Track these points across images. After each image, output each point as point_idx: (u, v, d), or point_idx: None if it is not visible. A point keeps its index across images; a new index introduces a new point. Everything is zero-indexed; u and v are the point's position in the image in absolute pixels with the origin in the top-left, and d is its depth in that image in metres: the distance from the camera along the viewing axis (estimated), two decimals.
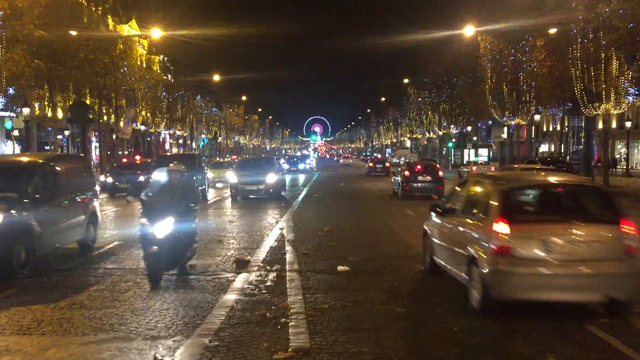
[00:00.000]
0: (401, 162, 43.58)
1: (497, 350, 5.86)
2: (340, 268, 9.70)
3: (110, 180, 26.51)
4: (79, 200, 11.42)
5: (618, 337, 6.22)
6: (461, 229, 7.98)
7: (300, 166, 57.72)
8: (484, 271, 6.90)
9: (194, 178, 21.24)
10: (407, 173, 24.26)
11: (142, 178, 22.07)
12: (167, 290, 8.39)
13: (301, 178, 42.78)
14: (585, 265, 6.82)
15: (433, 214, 9.42)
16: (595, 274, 6.81)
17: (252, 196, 23.10)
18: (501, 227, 6.86)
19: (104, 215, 16.03)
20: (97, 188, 12.40)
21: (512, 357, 5.71)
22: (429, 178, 24.11)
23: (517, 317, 6.94)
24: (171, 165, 9.36)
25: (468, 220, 7.85)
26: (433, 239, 9.09)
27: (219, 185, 31.00)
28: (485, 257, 6.95)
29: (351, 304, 7.54)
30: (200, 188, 22.08)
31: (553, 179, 8.83)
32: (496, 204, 7.21)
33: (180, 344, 6.10)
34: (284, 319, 6.88)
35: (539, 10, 38.43)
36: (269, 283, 8.80)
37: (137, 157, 34.79)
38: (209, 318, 6.96)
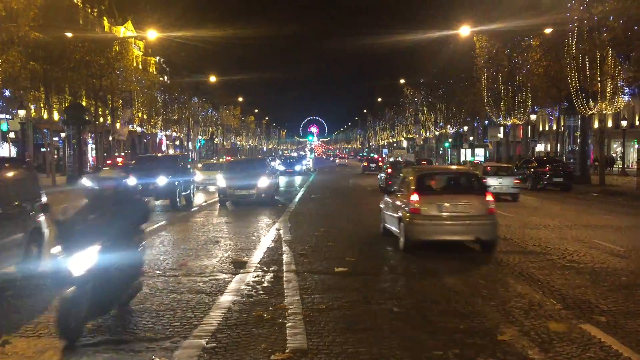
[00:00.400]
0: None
1: (495, 350, 5.87)
2: (337, 269, 9.70)
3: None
4: (17, 213, 9.14)
5: (615, 336, 6.23)
6: (397, 202, 12.11)
7: (297, 167, 54.63)
8: (405, 224, 11.10)
9: (175, 183, 20.23)
10: (389, 170, 28.01)
11: (132, 180, 21.68)
12: (163, 291, 8.37)
13: (297, 180, 41.43)
14: (464, 219, 11.08)
15: (384, 194, 14.01)
16: (469, 224, 11.01)
17: (242, 202, 21.24)
18: (414, 197, 11.09)
19: None
20: (44, 199, 10.20)
21: (509, 357, 5.71)
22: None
23: (506, 317, 6.96)
24: (104, 170, 7.93)
25: (399, 196, 12.19)
26: (383, 211, 13.41)
27: (212, 188, 27.63)
28: (406, 216, 11.09)
29: (348, 305, 7.54)
30: (183, 194, 21.17)
31: (447, 169, 16.17)
32: (414, 182, 11.53)
33: (177, 345, 6.09)
34: (281, 320, 6.87)
35: (534, 10, 38.49)
36: (266, 284, 8.79)
37: (119, 160, 33.83)
38: (206, 319, 6.95)
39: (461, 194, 11.67)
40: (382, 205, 13.67)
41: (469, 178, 12.59)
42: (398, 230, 11.64)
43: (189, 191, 22.25)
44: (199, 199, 24.89)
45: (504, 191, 23.07)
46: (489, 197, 11.38)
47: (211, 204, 22.66)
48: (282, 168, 50.44)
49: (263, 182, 21.33)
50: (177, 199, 20.27)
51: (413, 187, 11.40)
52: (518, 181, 23.99)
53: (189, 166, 24.98)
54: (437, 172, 14.47)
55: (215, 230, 15.02)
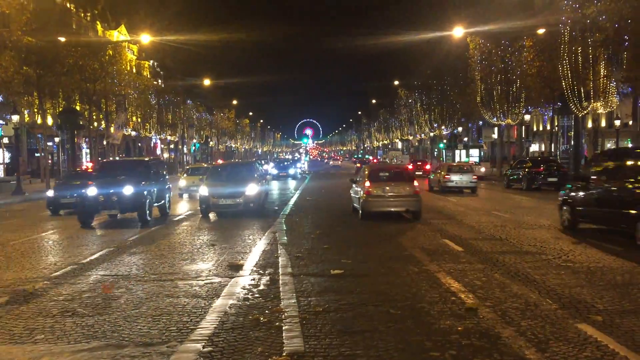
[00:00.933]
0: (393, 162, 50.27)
1: (491, 351, 5.87)
2: (333, 271, 9.70)
3: (51, 193, 21.60)
4: None
5: (611, 335, 6.25)
6: (357, 188, 18.08)
7: (291, 171, 51.60)
8: (362, 201, 17.05)
9: (145, 192, 17.33)
10: (358, 165, 36.22)
11: (92, 190, 17.07)
12: (160, 295, 8.35)
13: (292, 184, 40.47)
14: (398, 198, 16.96)
15: (352, 183, 19.58)
16: (402, 200, 16.90)
17: (227, 212, 18.83)
18: (367, 184, 16.99)
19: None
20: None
21: (506, 357, 5.71)
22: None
23: (503, 317, 6.97)
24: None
25: (359, 184, 17.89)
26: (351, 195, 19.28)
27: (198, 195, 21.95)
28: (362, 196, 17.05)
29: (345, 307, 7.53)
30: (157, 204, 18.58)
31: (389, 166, 25.35)
32: (367, 175, 17.53)
33: (174, 350, 6.06)
34: (277, 323, 6.86)
35: (527, 12, 38.68)
36: (262, 287, 8.78)
37: (90, 165, 32.00)
38: (203, 323, 6.93)
39: (397, 182, 17.49)
40: (351, 192, 19.59)
41: (402, 172, 19.01)
42: (358, 206, 17.65)
43: (163, 201, 19.45)
44: (182, 207, 23.33)
45: (465, 185, 28.40)
46: (415, 183, 17.54)
47: (192, 215, 20.12)
48: (275, 172, 49.01)
49: (251, 189, 18.80)
50: (147, 212, 17.27)
51: (366, 177, 17.47)
52: (476, 177, 29.63)
53: (164, 172, 21.93)
54: (382, 168, 21.75)
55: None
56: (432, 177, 31.89)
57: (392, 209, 17.15)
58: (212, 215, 18.93)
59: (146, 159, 23.03)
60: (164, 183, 20.39)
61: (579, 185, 14.32)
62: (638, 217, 11.36)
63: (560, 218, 14.93)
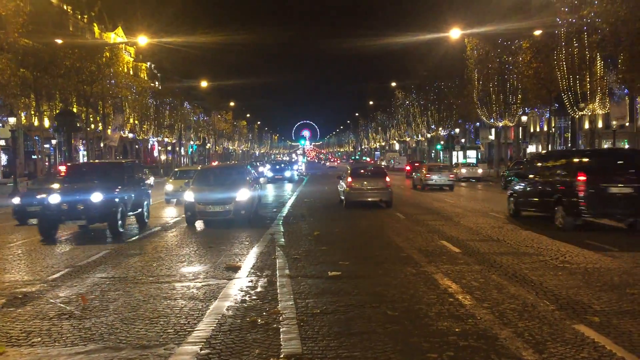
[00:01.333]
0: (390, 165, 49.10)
1: (489, 352, 5.87)
2: (330, 273, 9.70)
3: (17, 201, 19.12)
4: None
5: (608, 336, 6.25)
6: (342, 182, 22.92)
7: (287, 173, 48.70)
8: (345, 193, 21.74)
9: (116, 200, 15.28)
10: (337, 163, 43.93)
11: (54, 198, 14.93)
12: (157, 298, 8.34)
13: (288, 187, 38.22)
14: (374, 190, 21.40)
15: (339, 179, 24.08)
16: (377, 192, 21.34)
17: (215, 220, 16.94)
18: (350, 179, 21.61)
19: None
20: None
21: (503, 359, 5.71)
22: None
23: (500, 318, 6.97)
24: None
25: (344, 179, 22.65)
26: (338, 188, 23.90)
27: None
28: (346, 189, 21.65)
29: (342, 308, 7.53)
30: (132, 213, 16.73)
31: (367, 165, 32.39)
32: (349, 173, 22.16)
33: (171, 352, 6.05)
34: (275, 325, 6.85)
35: (524, 13, 38.75)
36: (259, 289, 8.77)
37: (62, 168, 28.25)
38: (200, 325, 6.92)
39: (373, 178, 21.96)
40: (338, 186, 24.50)
41: (378, 170, 23.75)
42: (343, 197, 22.34)
43: (141, 209, 17.31)
44: (167, 214, 21.16)
45: (443, 183, 32.14)
46: (387, 179, 21.87)
47: (175, 224, 17.93)
48: (270, 174, 47.35)
49: (242, 194, 16.74)
50: (119, 223, 15.25)
51: (349, 173, 22.13)
52: (453, 176, 33.98)
53: (142, 175, 20.01)
54: (361, 167, 25.52)
55: (209, 236, 14.77)
56: (414, 176, 35.27)
57: (369, 199, 21.51)
58: (199, 224, 17.12)
59: (123, 161, 21.03)
60: (142, 188, 18.14)
61: (520, 181, 17.76)
62: (555, 204, 14.79)
63: (507, 207, 18.32)
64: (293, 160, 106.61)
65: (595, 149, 30.40)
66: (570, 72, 31.11)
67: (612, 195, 13.94)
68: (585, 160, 15.13)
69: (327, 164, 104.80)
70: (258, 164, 64.71)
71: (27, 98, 38.55)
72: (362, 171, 22.62)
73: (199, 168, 26.50)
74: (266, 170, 49.81)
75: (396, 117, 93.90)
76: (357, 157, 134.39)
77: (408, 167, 49.47)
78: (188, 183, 19.63)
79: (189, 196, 16.89)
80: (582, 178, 13.98)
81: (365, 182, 21.55)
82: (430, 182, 31.77)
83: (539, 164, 17.51)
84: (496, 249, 11.98)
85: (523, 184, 17.40)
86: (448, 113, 62.52)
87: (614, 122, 41.10)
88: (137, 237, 15.29)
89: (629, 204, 13.92)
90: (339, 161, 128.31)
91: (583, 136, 45.01)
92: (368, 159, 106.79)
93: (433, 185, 31.79)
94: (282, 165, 54.60)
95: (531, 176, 17.15)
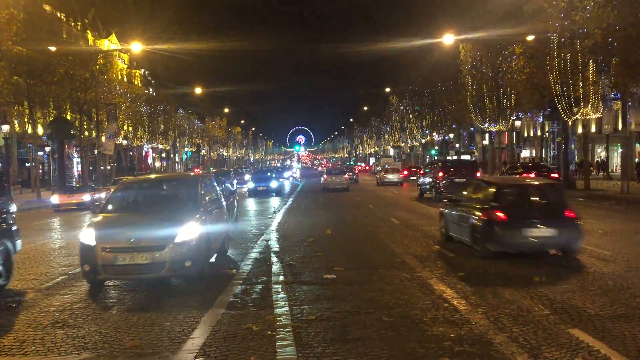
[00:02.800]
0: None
1: (484, 358, 5.88)
2: (326, 276, 9.69)
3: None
4: None
5: (602, 340, 6.27)
6: (321, 178, 43.38)
7: (273, 184, 36.37)
8: (323, 183, 40.86)
9: None
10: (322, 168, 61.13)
11: None
12: (151, 307, 8.30)
13: (274, 203, 29.17)
14: (340, 183, 39.49)
15: (320, 176, 47.63)
16: (341, 183, 39.69)
17: (133, 279, 9.66)
18: (325, 176, 41.90)
19: None
20: None
21: None
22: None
23: (495, 323, 6.98)
24: None
25: (323, 176, 42.87)
26: (320, 180, 43.44)
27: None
28: (322, 182, 41.20)
29: (338, 315, 7.52)
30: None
31: (337, 167, 65.73)
32: (325, 172, 45.47)
33: None
34: (270, 332, 6.83)
35: (516, 19, 38.97)
36: (254, 295, 8.75)
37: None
38: (195, 333, 6.90)
39: (340, 175, 41.09)
40: (321, 179, 41.42)
41: (342, 169, 46.19)
42: (322, 185, 39.91)
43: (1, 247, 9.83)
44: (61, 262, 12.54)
45: (395, 181, 45.43)
46: (346, 176, 41.37)
47: (64, 287, 9.90)
48: (251, 185, 36.59)
49: (187, 233, 9.39)
50: None
51: (325, 172, 42.46)
52: (403, 175, 48.09)
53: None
54: (333, 168, 51.27)
55: None
56: (378, 176, 48.56)
57: (337, 187, 38.20)
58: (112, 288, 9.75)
59: None
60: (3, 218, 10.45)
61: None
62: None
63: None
64: (286, 165, 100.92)
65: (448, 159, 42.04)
66: (563, 77, 31.27)
67: None
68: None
69: (319, 168, 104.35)
70: (244, 170, 61.53)
71: (21, 105, 38.43)
72: (333, 171, 43.46)
73: (124, 180, 15.89)
74: (247, 180, 41.34)
75: (390, 122, 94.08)
76: (351, 162, 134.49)
77: (406, 172, 55.65)
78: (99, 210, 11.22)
79: (87, 235, 9.33)
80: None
81: (334, 178, 40.01)
82: (386, 180, 45.20)
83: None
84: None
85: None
86: (442, 118, 62.71)
87: (606, 126, 41.36)
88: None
89: None
90: (331, 166, 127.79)
91: (576, 140, 45.22)
92: (363, 165, 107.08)
93: (387, 183, 45.17)
94: (268, 173, 40.92)
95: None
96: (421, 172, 34.55)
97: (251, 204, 29.36)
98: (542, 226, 10.81)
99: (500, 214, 10.95)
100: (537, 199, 11.84)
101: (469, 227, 11.86)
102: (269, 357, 6.03)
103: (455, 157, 50.82)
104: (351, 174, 50.37)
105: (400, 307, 7.86)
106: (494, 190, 11.76)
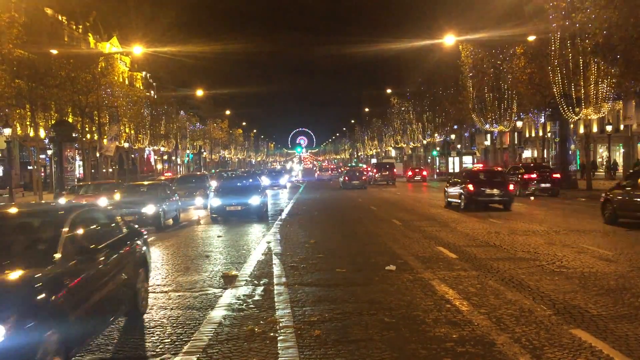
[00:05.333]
0: None
1: (486, 358, 5.87)
2: (337, 270, 9.71)
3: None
4: None
5: (605, 341, 6.26)
6: (317, 172, 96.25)
7: (254, 200, 21.37)
8: (316, 175, 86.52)
9: None
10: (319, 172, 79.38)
11: None
12: (153, 307, 8.30)
13: (252, 236, 16.81)
14: (326, 174, 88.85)
15: (317, 170, 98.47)
16: (330, 175, 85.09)
17: None
18: (318, 171, 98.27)
19: None
20: None
21: None
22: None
23: (497, 324, 6.97)
24: None
25: (317, 171, 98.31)
26: (318, 173, 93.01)
27: None
28: (316, 174, 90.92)
29: (340, 316, 7.51)
30: None
31: (324, 166, 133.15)
32: (318, 168, 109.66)
33: None
34: (272, 334, 6.83)
35: (517, 19, 38.96)
36: (256, 297, 8.75)
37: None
38: (197, 335, 6.90)
39: (359, 176, 45.47)
40: (340, 179, 47.33)
41: (360, 171, 48.51)
42: (340, 184, 46.96)
43: None
44: None
45: (357, 185, 43.93)
46: (329, 172, 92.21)
47: None
48: (217, 203, 21.16)
49: None
50: None
51: (344, 175, 45.95)
52: (364, 179, 46.90)
53: None
54: (321, 167, 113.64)
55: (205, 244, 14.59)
56: (340, 179, 47.22)
57: (356, 186, 42.63)
58: None
59: None
60: None
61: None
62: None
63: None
64: (283, 169, 78.82)
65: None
66: (564, 78, 31.24)
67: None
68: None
69: (317, 173, 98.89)
70: (212, 173, 47.81)
71: (23, 109, 38.47)
72: (350, 172, 46.50)
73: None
74: (211, 194, 24.99)
75: (392, 123, 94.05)
76: (353, 164, 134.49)
77: (410, 173, 59.12)
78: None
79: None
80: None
81: (353, 181, 43.90)
82: (349, 184, 44.01)
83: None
84: (493, 254, 11.99)
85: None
86: (443, 119, 62.67)
87: (608, 127, 41.25)
88: None
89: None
90: (333, 168, 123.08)
91: (578, 141, 45.15)
92: (364, 166, 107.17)
93: (349, 186, 43.56)
94: (245, 182, 27.20)
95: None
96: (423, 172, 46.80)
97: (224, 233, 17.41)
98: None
99: (470, 186, 22.30)
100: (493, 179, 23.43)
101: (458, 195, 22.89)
102: (270, 358, 6.03)
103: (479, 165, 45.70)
104: (365, 175, 50.73)
105: (402, 308, 7.86)
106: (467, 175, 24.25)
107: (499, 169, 29.51)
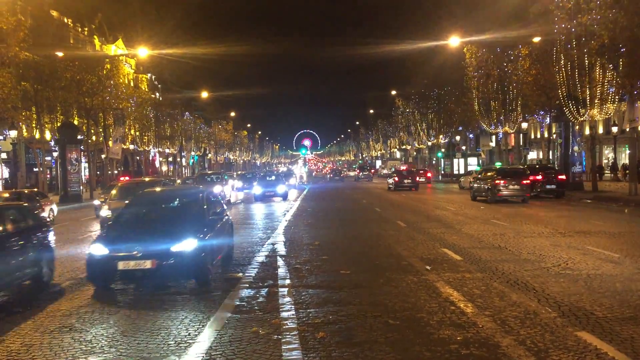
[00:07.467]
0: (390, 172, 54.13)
1: None
2: (342, 271, 9.70)
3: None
4: None
5: (610, 343, 6.23)
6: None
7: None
8: (313, 174, 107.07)
9: None
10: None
11: None
12: (158, 310, 8.31)
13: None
14: (321, 173, 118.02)
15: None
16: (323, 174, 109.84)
17: None
18: (358, 170, 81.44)
19: None
20: None
21: None
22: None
23: (502, 326, 6.95)
24: None
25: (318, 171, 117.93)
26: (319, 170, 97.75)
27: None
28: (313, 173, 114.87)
29: (344, 318, 7.50)
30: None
31: (318, 168, 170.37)
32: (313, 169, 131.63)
33: None
34: (276, 336, 6.83)
35: (522, 21, 38.84)
36: (260, 299, 8.75)
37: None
38: (201, 337, 6.90)
39: (367, 173, 73.67)
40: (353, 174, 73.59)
41: (369, 168, 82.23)
42: (353, 178, 74.07)
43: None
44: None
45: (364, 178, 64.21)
46: (371, 172, 79.76)
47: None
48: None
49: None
50: None
51: (357, 168, 79.76)
52: (344, 175, 78.43)
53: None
54: (362, 167, 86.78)
55: None
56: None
57: (365, 180, 64.33)
58: None
59: None
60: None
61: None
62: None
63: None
64: (281, 172, 59.93)
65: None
66: (570, 79, 31.13)
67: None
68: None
69: (313, 174, 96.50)
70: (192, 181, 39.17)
71: (28, 111, 38.63)
72: (362, 168, 67.62)
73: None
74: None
75: (397, 125, 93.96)
76: (357, 166, 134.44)
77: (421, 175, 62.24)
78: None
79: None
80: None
81: (362, 176, 64.39)
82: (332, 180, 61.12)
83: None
84: (498, 256, 11.95)
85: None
86: (448, 120, 62.57)
87: (614, 129, 41.07)
88: None
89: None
90: (361, 165, 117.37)
91: (583, 142, 44.96)
92: (368, 168, 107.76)
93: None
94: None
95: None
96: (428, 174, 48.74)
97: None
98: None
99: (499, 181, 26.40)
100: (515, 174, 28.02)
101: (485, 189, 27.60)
102: None
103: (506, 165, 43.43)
104: (371, 172, 72.37)
105: (407, 310, 7.84)
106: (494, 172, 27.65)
107: (522, 167, 33.36)
